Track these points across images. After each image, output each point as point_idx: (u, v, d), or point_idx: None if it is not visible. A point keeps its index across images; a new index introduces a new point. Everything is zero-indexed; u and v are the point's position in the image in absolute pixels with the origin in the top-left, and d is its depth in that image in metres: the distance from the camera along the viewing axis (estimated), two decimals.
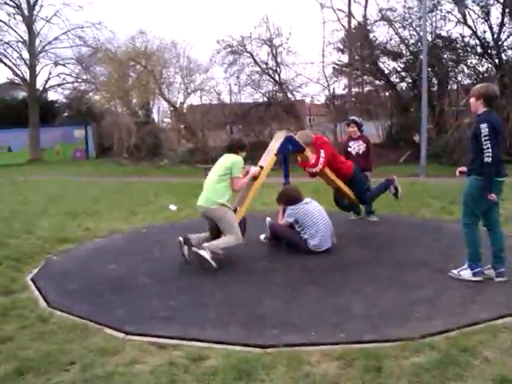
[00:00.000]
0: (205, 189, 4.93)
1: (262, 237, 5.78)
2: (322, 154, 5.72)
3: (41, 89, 28.17)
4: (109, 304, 3.81)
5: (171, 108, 21.26)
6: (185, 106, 21.69)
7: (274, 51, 19.65)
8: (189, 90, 21.00)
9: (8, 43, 26.83)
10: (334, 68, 20.92)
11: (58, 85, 28.49)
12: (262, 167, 5.36)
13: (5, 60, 26.98)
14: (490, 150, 3.72)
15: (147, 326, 3.35)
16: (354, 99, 20.27)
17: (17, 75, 27.40)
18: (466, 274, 4.01)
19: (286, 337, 3.04)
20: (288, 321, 3.32)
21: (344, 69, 20.09)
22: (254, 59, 19.93)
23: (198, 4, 47.19)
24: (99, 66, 23.53)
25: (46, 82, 28.16)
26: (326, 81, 20.57)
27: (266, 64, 20.03)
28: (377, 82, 20.89)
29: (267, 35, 19.75)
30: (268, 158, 5.48)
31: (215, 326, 3.30)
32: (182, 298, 3.90)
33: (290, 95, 20.32)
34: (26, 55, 27.49)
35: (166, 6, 51.35)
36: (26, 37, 27.04)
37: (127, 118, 22.34)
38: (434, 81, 17.92)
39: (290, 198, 5.36)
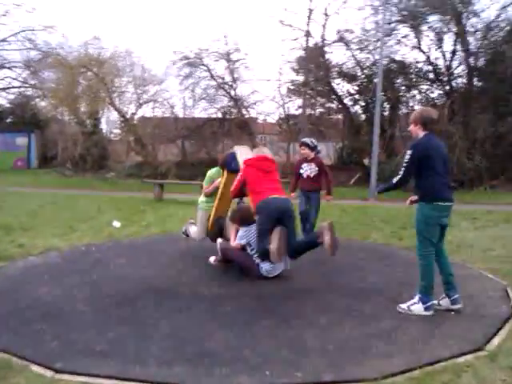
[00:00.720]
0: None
1: (212, 259, 5.50)
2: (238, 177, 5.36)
3: None
4: (38, 334, 3.37)
5: (121, 118, 20.57)
6: (136, 117, 21.10)
7: (232, 66, 19.56)
8: (141, 101, 20.42)
9: None
10: (288, 88, 21.12)
11: (3, 88, 27.01)
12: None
13: None
14: (399, 175, 3.88)
15: (81, 362, 2.97)
16: (307, 120, 20.48)
17: None
18: (416, 308, 3.84)
19: (238, 377, 2.76)
20: (240, 357, 3.02)
21: (299, 88, 20.28)
22: (211, 73, 19.78)
23: (155, 13, 46.43)
24: (48, 71, 22.35)
25: None
26: (282, 99, 20.71)
27: (223, 79, 19.92)
28: (330, 103, 21.25)
29: (225, 49, 19.70)
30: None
31: (158, 363, 2.96)
32: (122, 328, 3.52)
33: (244, 111, 20.24)
34: None
35: (123, 13, 50.33)
36: None
37: (74, 126, 21.47)
38: (386, 105, 18.41)
39: (242, 218, 5.12)
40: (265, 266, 4.84)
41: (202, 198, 5.96)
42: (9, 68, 26.18)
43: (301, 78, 20.14)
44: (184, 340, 3.31)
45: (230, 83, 19.94)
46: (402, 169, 3.85)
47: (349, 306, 4.03)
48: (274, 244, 4.55)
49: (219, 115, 20.49)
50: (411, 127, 3.99)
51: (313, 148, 6.58)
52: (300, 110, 21.17)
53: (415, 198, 3.99)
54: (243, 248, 5.05)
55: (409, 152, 3.83)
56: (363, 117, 19.68)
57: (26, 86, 26.38)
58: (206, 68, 19.82)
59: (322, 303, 4.13)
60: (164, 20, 50.10)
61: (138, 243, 6.73)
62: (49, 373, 2.87)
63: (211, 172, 5.96)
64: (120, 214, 9.50)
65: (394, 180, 3.95)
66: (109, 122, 22.46)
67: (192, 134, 20.00)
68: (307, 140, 6.76)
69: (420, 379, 2.65)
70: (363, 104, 19.39)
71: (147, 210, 10.20)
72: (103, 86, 19.26)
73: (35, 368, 2.93)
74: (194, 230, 6.05)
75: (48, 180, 18.84)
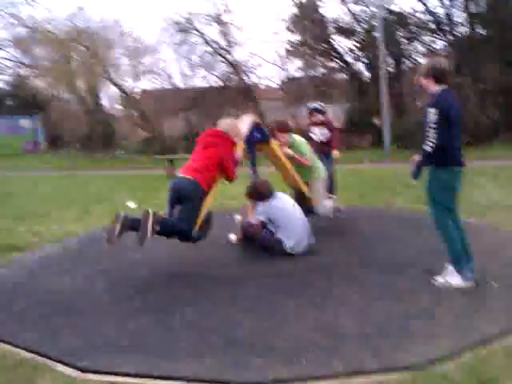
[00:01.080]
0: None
1: (232, 237, 5.31)
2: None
3: None
4: (58, 330, 3.22)
5: (121, 94, 20.11)
6: (136, 90, 20.58)
7: (224, 29, 18.86)
8: (137, 73, 19.82)
9: None
10: (286, 49, 20.41)
11: None
12: None
13: None
14: (434, 141, 3.39)
15: (106, 359, 2.81)
16: (309, 81, 19.87)
17: None
18: (454, 280, 3.61)
19: (274, 369, 2.59)
20: (271, 346, 2.84)
21: (297, 49, 19.55)
22: (205, 38, 19.12)
23: None
24: (39, 49, 21.63)
25: None
26: (281, 61, 20.05)
27: (218, 44, 19.26)
28: (332, 62, 20.54)
29: (215, 11, 19.00)
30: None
31: (187, 356, 2.79)
32: (142, 319, 3.35)
33: (244, 77, 19.65)
34: None
35: None
36: None
37: (75, 105, 21.10)
38: (390, 60, 17.73)
39: (260, 193, 4.83)
40: (289, 243, 4.63)
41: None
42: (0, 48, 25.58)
43: (298, 38, 19.38)
44: (208, 329, 3.13)
45: (226, 48, 19.26)
46: (433, 132, 3.38)
47: (382, 282, 3.83)
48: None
49: (220, 83, 19.92)
50: (422, 81, 3.60)
51: (324, 112, 6.41)
52: (301, 72, 20.50)
53: (419, 158, 3.61)
54: (263, 224, 4.85)
55: (433, 111, 3.39)
56: (368, 74, 18.97)
57: (19, 65, 25.67)
58: (198, 33, 19.17)
59: (353, 280, 3.93)
60: None
61: None
62: (75, 373, 2.73)
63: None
64: (134, 193, 9.34)
65: (428, 148, 3.42)
66: (110, 97, 22.03)
67: (194, 104, 19.49)
68: (317, 105, 6.48)
69: (473, 367, 2.44)
70: (366, 61, 18.64)
71: (160, 188, 9.95)
72: (97, 60, 18.65)
73: (61, 368, 2.79)
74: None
75: (57, 162, 18.72)
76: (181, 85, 20.44)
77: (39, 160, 20.00)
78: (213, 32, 19.53)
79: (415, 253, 4.56)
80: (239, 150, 4.74)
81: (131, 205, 7.95)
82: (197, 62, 19.45)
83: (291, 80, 20.72)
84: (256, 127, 5.09)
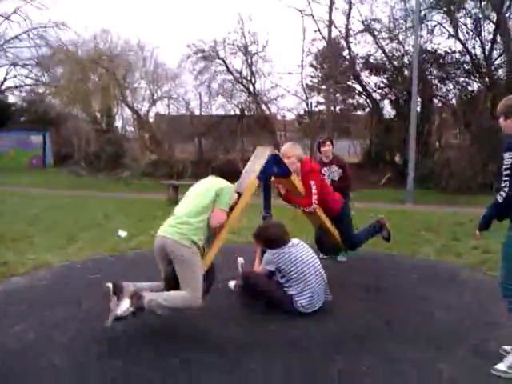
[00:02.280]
0: (175, 217, 3.50)
1: (232, 284, 4.41)
2: (314, 187, 4.39)
3: None
4: None
5: (134, 116, 19.60)
6: (150, 114, 20.09)
7: (249, 59, 18.41)
8: (155, 97, 19.38)
9: None
10: (307, 85, 19.95)
11: (16, 87, 26.43)
12: (239, 194, 3.85)
13: None
14: (506, 190, 2.67)
15: None
16: (330, 115, 19.24)
17: None
18: None
19: None
20: None
21: (322, 82, 19.10)
22: (227, 67, 18.62)
23: (167, 4, 45.12)
24: (59, 68, 21.38)
25: (3, 83, 26.13)
26: (304, 93, 19.46)
27: (240, 73, 18.77)
28: (356, 98, 20.00)
29: (242, 42, 18.55)
30: (248, 181, 3.99)
31: None
32: None
33: (264, 107, 19.08)
34: None
35: (134, 3, 48.94)
36: None
37: (86, 124, 20.61)
38: (419, 99, 17.04)
39: (271, 238, 3.93)
40: (300, 300, 3.72)
41: (196, 236, 3.45)
42: (21, 66, 25.52)
43: (323, 71, 18.93)
44: None
45: (248, 77, 18.73)
46: (506, 182, 2.67)
47: (421, 363, 2.90)
48: None
49: (237, 111, 19.34)
50: (501, 121, 2.86)
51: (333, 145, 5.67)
52: (322, 106, 20.01)
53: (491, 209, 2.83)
54: (270, 275, 3.95)
55: (507, 156, 2.67)
56: (393, 112, 18.31)
57: (38, 83, 25.58)
58: (221, 62, 18.63)
59: (384, 358, 2.99)
60: (177, 11, 48.88)
61: (141, 259, 5.65)
62: None
63: (231, 187, 3.70)
64: (129, 219, 8.51)
65: (500, 198, 2.71)
66: (124, 119, 21.56)
67: (209, 131, 18.85)
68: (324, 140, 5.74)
69: None
70: (393, 98, 17.98)
71: (158, 216, 9.14)
72: (114, 82, 18.21)
73: None
74: None
75: (60, 180, 18.05)
76: (197, 111, 19.90)
77: (43, 177, 19.37)
78: (236, 61, 19.06)
79: (456, 321, 3.64)
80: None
81: (122, 233, 7.12)
82: (216, 89, 18.93)
83: (311, 113, 20.11)
84: (274, 159, 4.21)
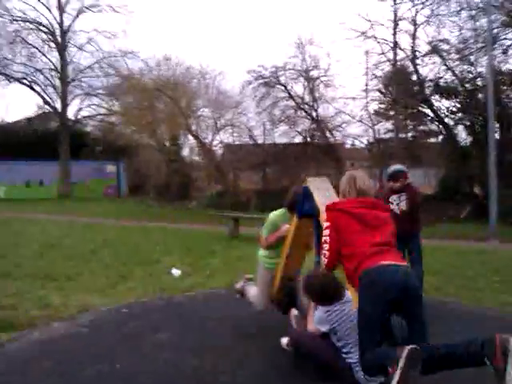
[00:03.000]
0: None
1: (284, 342, 3.78)
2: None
3: (72, 119, 27.64)
4: None
5: (199, 144, 19.74)
6: (214, 142, 20.15)
7: (311, 84, 17.96)
8: (218, 125, 19.40)
9: (40, 70, 26.36)
10: (374, 111, 19.13)
11: (89, 116, 27.85)
12: None
13: (36, 88, 26.71)
14: None
15: None
16: (399, 143, 18.27)
17: (48, 104, 26.99)
18: None
19: None
20: None
21: (389, 108, 18.18)
22: (289, 93, 18.27)
23: (228, 30, 46.16)
24: (127, 97, 22.08)
25: (78, 112, 27.70)
26: (370, 119, 18.65)
27: (302, 99, 18.34)
28: (426, 124, 18.81)
29: (303, 66, 18.17)
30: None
31: None
32: None
33: (328, 135, 18.48)
34: (56, 84, 27.06)
35: (194, 32, 50.55)
36: (58, 64, 26.66)
37: (157, 154, 21.09)
38: (496, 124, 15.63)
39: (322, 293, 3.28)
40: (361, 370, 3.04)
41: (261, 252, 4.24)
42: (94, 95, 26.84)
43: (390, 96, 18.06)
44: None
45: (311, 103, 18.25)
46: None
47: None
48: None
49: (301, 139, 18.91)
50: None
51: (403, 175, 4.93)
52: (390, 133, 19.05)
53: None
54: (324, 335, 3.38)
55: None
56: (469, 138, 16.97)
57: (109, 112, 26.60)
58: (283, 87, 18.33)
59: None
60: (237, 37, 49.74)
61: (190, 304, 5.30)
62: None
63: (274, 215, 4.12)
64: (187, 256, 8.26)
65: None
66: (190, 148, 21.85)
67: (273, 160, 18.52)
68: (402, 167, 5.05)
69: None
70: (468, 123, 16.67)
71: (217, 251, 8.85)
72: (178, 110, 18.45)
73: None
74: (253, 293, 4.36)
75: (129, 210, 18.52)
76: (261, 139, 19.71)
77: (115, 206, 19.98)
78: (298, 86, 18.68)
79: None
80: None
81: (175, 272, 6.84)
82: (279, 116, 18.57)
83: (379, 140, 19.21)
84: (306, 195, 3.60)
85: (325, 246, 2.98)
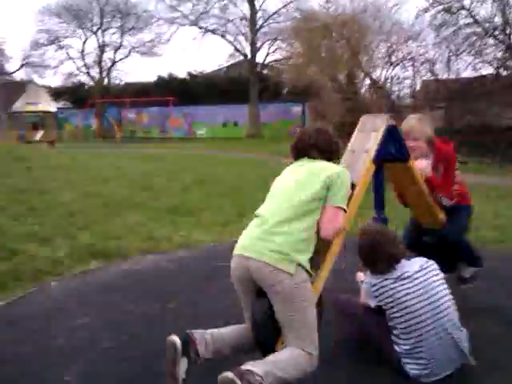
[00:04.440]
0: (262, 221, 2.32)
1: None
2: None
3: (261, 64, 29.08)
4: None
5: (371, 82, 18.45)
6: (384, 78, 18.52)
7: (502, 4, 14.84)
8: (393, 60, 17.68)
9: (231, 21, 28.08)
10: None
11: (276, 60, 28.73)
12: (353, 185, 2.56)
13: (228, 37, 28.99)
14: None
15: None
16: None
17: (238, 51, 28.78)
18: None
19: None
20: None
21: None
22: (474, 18, 15.53)
23: None
24: (307, 38, 21.69)
25: (265, 57, 28.88)
26: None
27: (490, 23, 15.40)
28: None
29: None
30: (362, 166, 2.71)
31: None
32: None
33: None
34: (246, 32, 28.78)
35: None
36: (247, 14, 28.29)
37: (335, 94, 20.58)
38: None
39: (374, 256, 2.60)
40: (410, 365, 2.51)
41: (300, 255, 2.23)
42: (281, 40, 27.39)
43: None
44: None
45: (502, 27, 15.15)
46: None
47: None
48: None
49: (490, 71, 16.08)
50: None
51: None
52: None
53: None
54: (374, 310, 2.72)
55: None
56: None
57: (291, 56, 26.69)
58: (467, 12, 15.60)
59: None
60: None
61: None
62: None
63: (346, 172, 2.46)
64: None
65: None
66: (363, 86, 20.63)
67: (456, 96, 16.16)
68: None
69: None
70: None
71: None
72: (350, 48, 17.33)
73: None
74: None
75: None
76: (441, 73, 17.37)
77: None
78: (484, 9, 15.74)
79: None
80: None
81: None
82: (461, 45, 15.99)
83: None
84: (391, 134, 2.88)
85: None
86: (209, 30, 29.27)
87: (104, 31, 35.54)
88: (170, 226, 6.06)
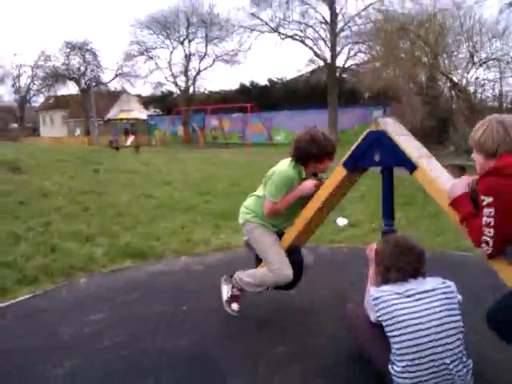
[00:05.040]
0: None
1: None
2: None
3: (341, 68, 28.57)
4: None
5: (451, 84, 17.25)
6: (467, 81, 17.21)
7: None
8: (475, 61, 16.41)
9: (311, 26, 27.90)
10: None
11: (357, 64, 28.03)
12: (321, 180, 3.15)
13: (307, 42, 28.77)
14: None
15: None
16: None
17: (318, 56, 28.44)
18: None
19: None
20: None
21: None
22: None
23: None
24: (385, 41, 20.79)
25: (345, 61, 28.36)
26: None
27: None
28: None
29: None
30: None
31: None
32: None
33: None
34: (326, 36, 28.33)
35: None
36: (327, 17, 27.80)
37: (414, 97, 19.63)
38: None
39: (395, 261, 2.43)
40: (399, 375, 2.29)
41: (256, 218, 3.26)
42: (362, 42, 26.63)
43: None
44: None
45: None
46: None
47: None
48: None
49: None
50: None
51: None
52: None
53: None
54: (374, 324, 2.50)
55: None
56: None
57: (371, 59, 25.89)
58: None
59: None
60: None
61: (332, 257, 4.93)
62: None
63: (289, 168, 3.12)
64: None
65: None
66: (445, 88, 19.33)
67: None
68: None
69: None
70: None
71: (417, 201, 7.70)
72: (428, 48, 16.33)
73: None
74: (265, 269, 3.29)
75: None
76: None
77: None
78: None
79: None
80: None
81: (341, 222, 6.51)
82: None
83: None
84: (379, 138, 2.78)
85: (488, 230, 2.21)
86: (289, 36, 29.28)
87: (190, 41, 36.99)
88: (212, 230, 6.09)
